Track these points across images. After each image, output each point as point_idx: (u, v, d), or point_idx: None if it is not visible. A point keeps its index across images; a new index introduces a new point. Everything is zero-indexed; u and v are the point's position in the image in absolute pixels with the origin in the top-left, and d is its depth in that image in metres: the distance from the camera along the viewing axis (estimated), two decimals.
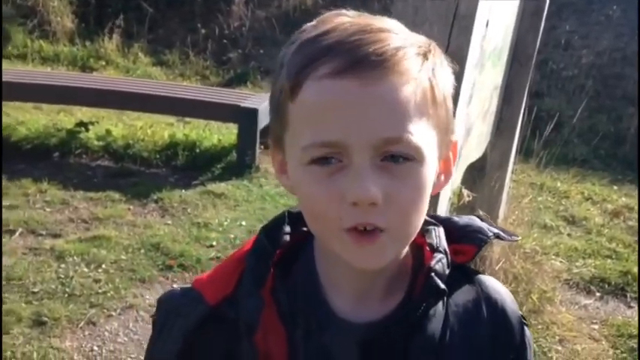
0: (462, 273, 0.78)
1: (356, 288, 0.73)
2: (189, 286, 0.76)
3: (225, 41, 7.74)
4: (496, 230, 0.78)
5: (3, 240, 3.51)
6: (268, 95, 0.72)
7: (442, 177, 0.74)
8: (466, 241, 0.76)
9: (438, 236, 0.76)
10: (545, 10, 2.58)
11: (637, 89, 6.26)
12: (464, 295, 0.77)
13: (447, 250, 0.75)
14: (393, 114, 0.63)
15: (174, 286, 0.74)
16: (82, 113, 5.46)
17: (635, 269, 3.87)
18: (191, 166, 4.82)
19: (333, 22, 0.66)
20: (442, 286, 0.72)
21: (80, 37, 7.44)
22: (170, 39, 7.80)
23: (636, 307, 3.57)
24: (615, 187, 5.28)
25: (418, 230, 0.71)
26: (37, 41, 7.13)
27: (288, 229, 0.76)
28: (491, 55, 1.93)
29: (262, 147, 5.07)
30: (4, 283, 3.15)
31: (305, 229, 0.76)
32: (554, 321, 3.07)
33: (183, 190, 4.39)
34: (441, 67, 0.68)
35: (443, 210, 1.42)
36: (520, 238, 0.85)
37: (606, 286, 3.71)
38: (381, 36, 0.63)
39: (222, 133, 5.31)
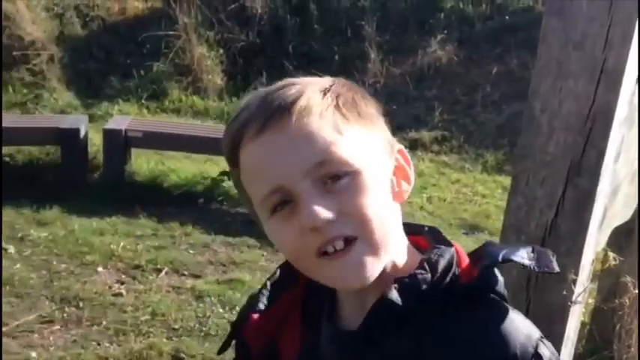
0: (473, 298, 0.73)
1: (353, 303, 0.78)
2: None
3: None
4: (510, 257, 0.71)
5: (152, 278, 3.81)
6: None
7: (403, 183, 0.77)
8: (474, 264, 0.73)
9: (441, 254, 0.74)
10: None
11: None
12: (461, 319, 0.72)
13: (442, 268, 0.73)
14: (310, 143, 0.70)
15: None
16: (226, 163, 5.82)
17: None
18: None
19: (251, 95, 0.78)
20: (396, 300, 0.70)
21: (228, 93, 8.02)
22: None
23: None
24: None
25: (392, 237, 0.73)
26: (191, 97, 7.79)
27: None
28: None
29: None
30: (150, 318, 3.41)
31: None
32: None
33: None
34: (349, 91, 0.76)
35: (585, 274, 1.33)
36: (557, 270, 0.73)
37: None
38: (284, 89, 0.74)
39: None
